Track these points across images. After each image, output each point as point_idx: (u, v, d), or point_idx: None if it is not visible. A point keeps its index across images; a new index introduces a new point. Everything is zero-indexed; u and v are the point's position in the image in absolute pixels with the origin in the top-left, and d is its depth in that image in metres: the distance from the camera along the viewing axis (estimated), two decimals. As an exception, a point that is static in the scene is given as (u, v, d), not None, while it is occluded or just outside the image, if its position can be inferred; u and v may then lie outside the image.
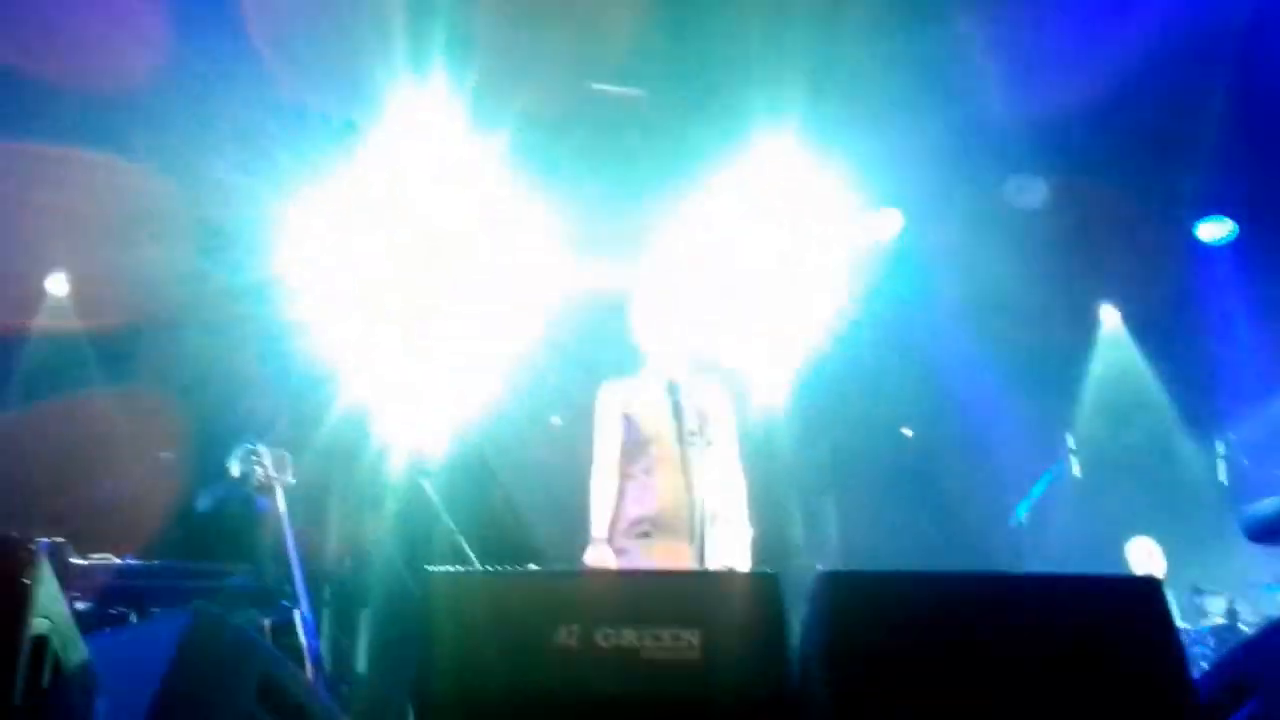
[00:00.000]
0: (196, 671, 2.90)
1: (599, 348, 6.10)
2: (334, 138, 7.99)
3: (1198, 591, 7.88)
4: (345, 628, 9.95)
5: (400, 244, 8.04)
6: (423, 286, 7.97)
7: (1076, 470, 7.64)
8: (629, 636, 2.95)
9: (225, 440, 6.29)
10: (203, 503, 6.86)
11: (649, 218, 8.61)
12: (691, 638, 2.98)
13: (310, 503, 8.58)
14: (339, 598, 9.82)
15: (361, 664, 9.77)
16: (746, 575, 4.32)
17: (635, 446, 4.91)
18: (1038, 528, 7.40)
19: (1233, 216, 9.19)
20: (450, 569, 3.03)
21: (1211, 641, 7.23)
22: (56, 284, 9.19)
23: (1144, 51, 7.54)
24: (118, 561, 6.43)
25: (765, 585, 3.17)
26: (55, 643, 2.43)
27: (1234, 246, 9.23)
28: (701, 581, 3.62)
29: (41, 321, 9.08)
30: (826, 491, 10.88)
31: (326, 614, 9.75)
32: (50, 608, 2.43)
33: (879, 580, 3.45)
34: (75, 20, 7.01)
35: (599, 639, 2.94)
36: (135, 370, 9.08)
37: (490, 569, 4.59)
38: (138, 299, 8.83)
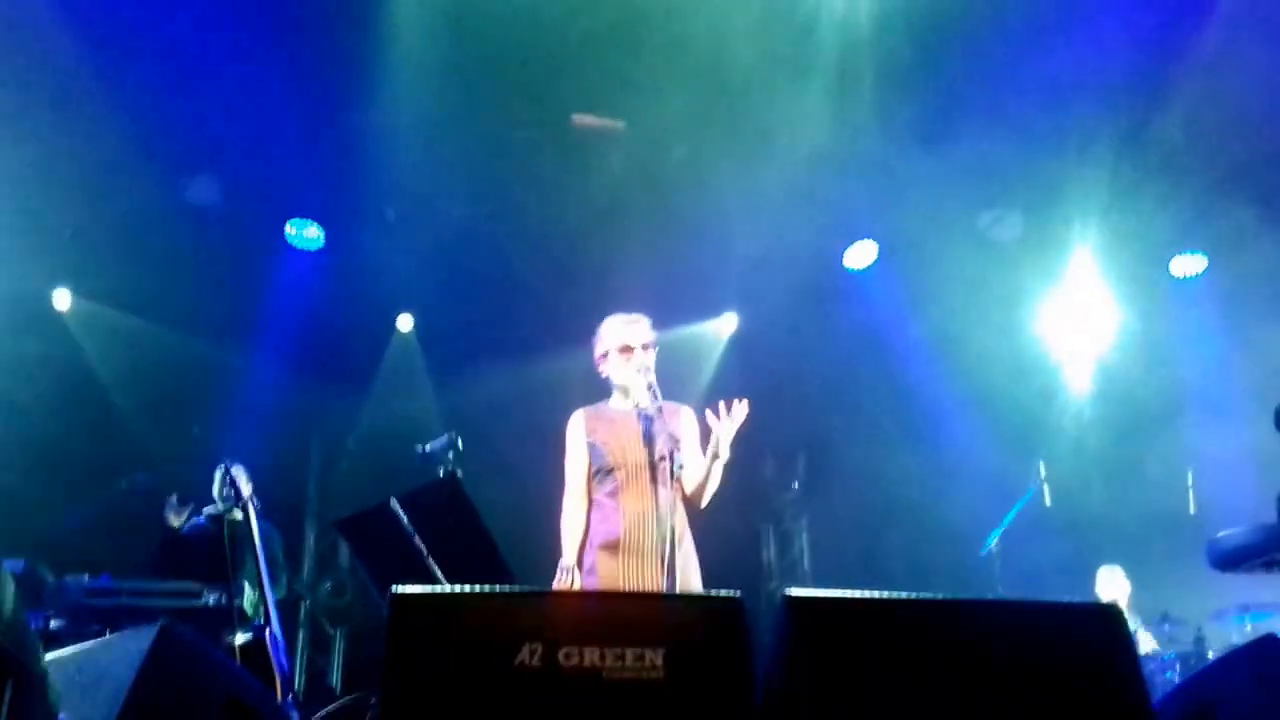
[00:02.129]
0: (160, 689, 2.90)
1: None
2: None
3: (1166, 619, 7.95)
4: (321, 647, 9.96)
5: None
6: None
7: (1048, 499, 7.70)
8: (592, 656, 2.96)
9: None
10: (180, 512, 6.87)
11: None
12: (655, 658, 2.99)
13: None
14: (315, 618, 9.84)
15: (337, 683, 9.78)
16: (711, 596, 4.34)
17: (602, 473, 4.95)
18: (1009, 556, 7.44)
19: (1205, 252, 9.29)
20: (414, 588, 3.03)
21: (1179, 668, 7.28)
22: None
23: (1117, 88, 7.65)
24: (91, 580, 6.44)
25: (730, 606, 3.19)
26: (14, 658, 2.43)
27: (1206, 280, 9.32)
28: (666, 602, 3.63)
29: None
30: (799, 517, 10.94)
31: (302, 634, 9.77)
32: (9, 623, 2.43)
33: (844, 603, 3.48)
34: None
35: (562, 658, 2.95)
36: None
37: (455, 589, 4.60)
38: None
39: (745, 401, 4.75)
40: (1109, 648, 3.28)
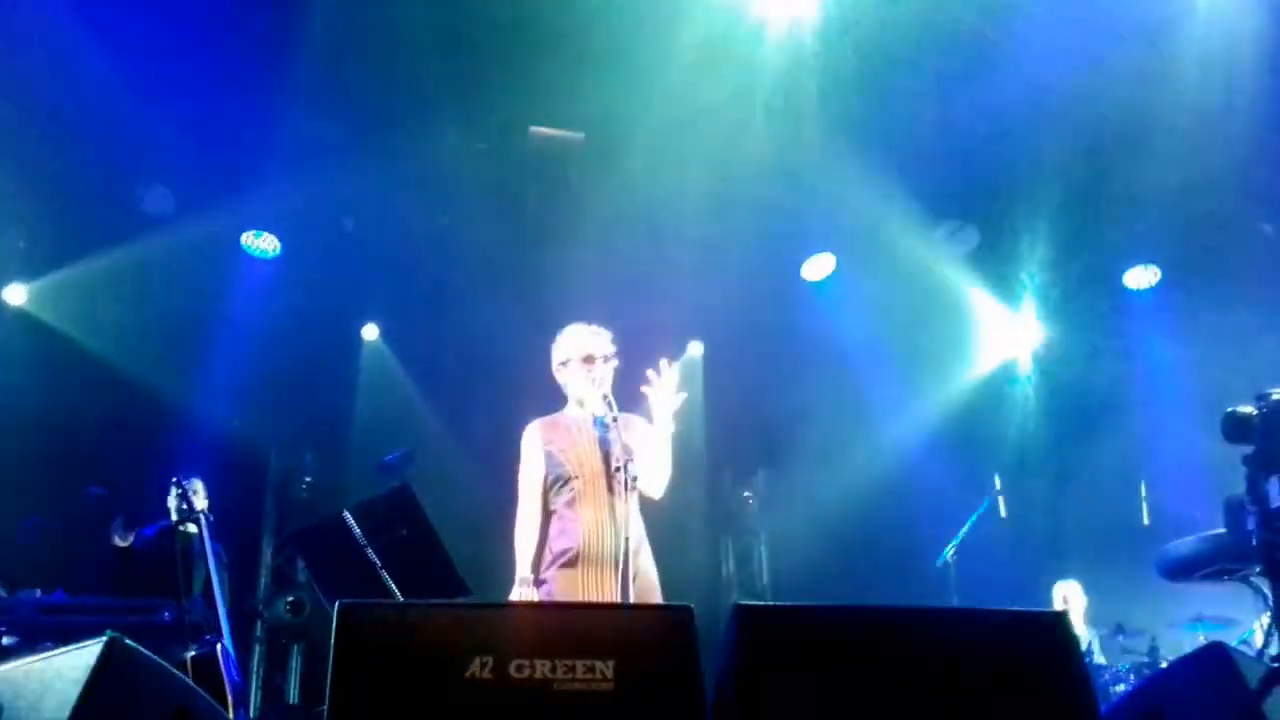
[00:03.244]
0: (107, 703, 2.88)
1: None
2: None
3: (1120, 630, 8.02)
4: (278, 663, 9.89)
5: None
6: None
7: (1003, 511, 7.75)
8: (543, 668, 2.98)
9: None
10: (125, 536, 6.83)
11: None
12: (605, 669, 3.00)
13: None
14: (272, 634, 9.76)
15: (294, 699, 9.71)
16: (660, 608, 4.35)
17: (559, 482, 4.94)
18: (965, 567, 7.50)
19: (1158, 264, 9.41)
20: (363, 601, 3.03)
21: (1133, 679, 7.33)
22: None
23: (1071, 103, 7.74)
24: (43, 596, 6.39)
25: (680, 618, 3.20)
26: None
27: (1158, 293, 9.44)
28: (615, 614, 3.64)
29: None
30: (758, 530, 10.98)
31: (259, 649, 9.69)
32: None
33: (794, 613, 3.50)
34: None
35: (512, 671, 2.96)
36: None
37: (406, 601, 4.59)
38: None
39: (674, 365, 4.84)
40: (1057, 655, 3.32)
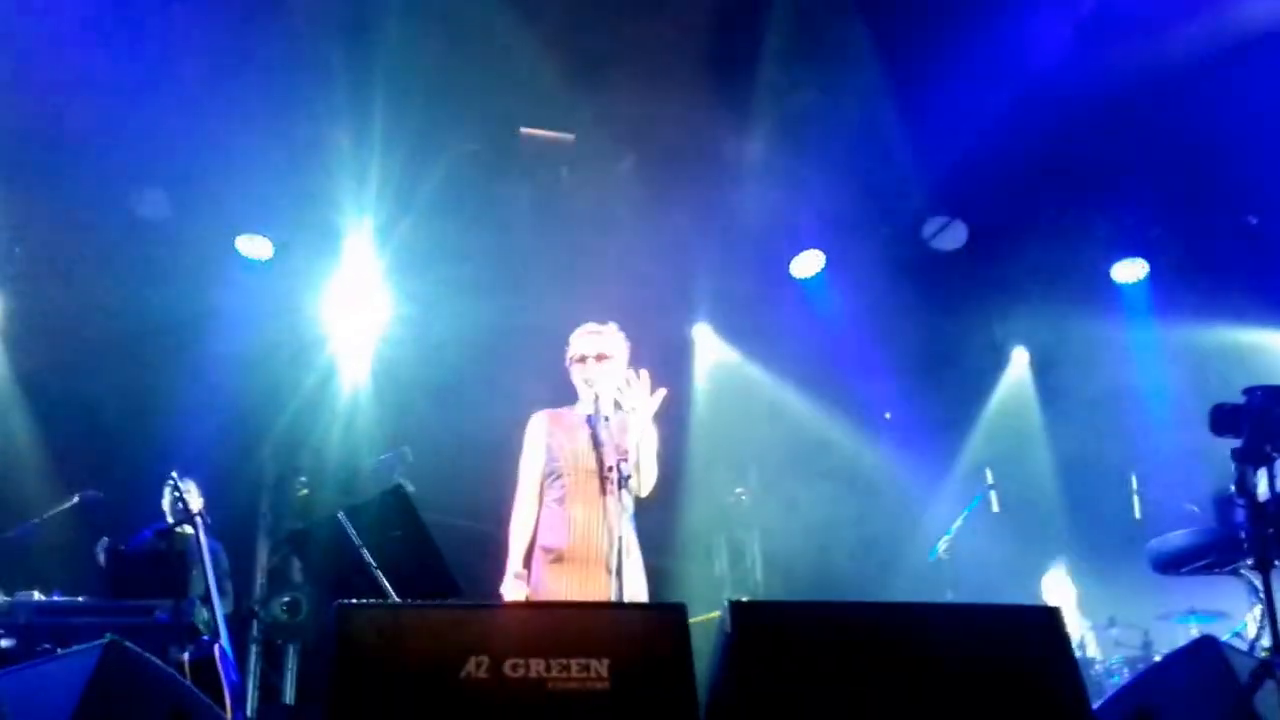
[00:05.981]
0: (106, 706, 2.91)
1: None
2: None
3: (1113, 623, 8.05)
4: (274, 663, 9.90)
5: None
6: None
7: (995, 506, 7.78)
8: (538, 668, 3.00)
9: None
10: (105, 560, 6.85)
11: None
12: (600, 668, 3.03)
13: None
14: (268, 634, 9.77)
15: (290, 699, 9.72)
16: (654, 606, 4.38)
17: (551, 476, 4.99)
18: (958, 562, 7.53)
19: (1146, 258, 9.44)
20: (359, 602, 3.05)
21: (1125, 672, 7.36)
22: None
23: (1060, 99, 7.77)
24: (41, 598, 6.41)
25: (673, 616, 3.23)
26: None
27: (1147, 286, 9.48)
28: (609, 613, 3.67)
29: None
30: (750, 527, 11.00)
31: (255, 650, 9.70)
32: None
33: (787, 609, 3.53)
34: None
35: (508, 670, 2.98)
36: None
37: (402, 602, 4.62)
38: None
39: (645, 372, 4.88)
40: (1048, 649, 3.36)
